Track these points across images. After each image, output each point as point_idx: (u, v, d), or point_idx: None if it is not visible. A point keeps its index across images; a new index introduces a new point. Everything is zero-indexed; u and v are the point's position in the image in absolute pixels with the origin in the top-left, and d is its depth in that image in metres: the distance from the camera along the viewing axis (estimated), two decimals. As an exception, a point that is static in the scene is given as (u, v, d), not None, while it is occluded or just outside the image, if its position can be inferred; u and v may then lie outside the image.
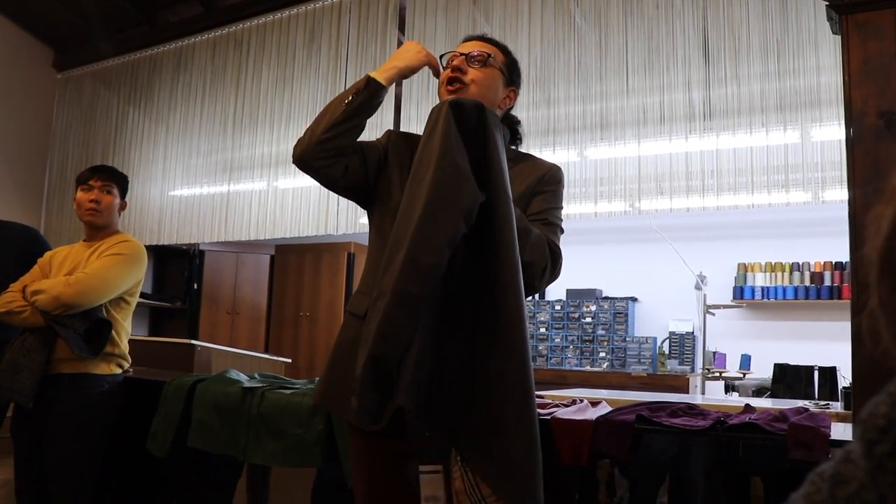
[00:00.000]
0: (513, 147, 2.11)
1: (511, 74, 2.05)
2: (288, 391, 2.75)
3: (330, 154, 1.85)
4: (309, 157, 1.85)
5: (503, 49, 2.06)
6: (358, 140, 1.93)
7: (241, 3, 6.42)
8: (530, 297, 7.35)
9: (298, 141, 1.89)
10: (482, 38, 2.07)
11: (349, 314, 1.88)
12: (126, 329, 3.03)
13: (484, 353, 1.54)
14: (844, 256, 6.41)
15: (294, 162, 1.89)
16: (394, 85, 2.00)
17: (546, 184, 1.97)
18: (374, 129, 5.42)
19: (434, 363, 1.54)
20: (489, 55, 1.98)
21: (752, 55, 4.37)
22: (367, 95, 1.87)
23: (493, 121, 1.66)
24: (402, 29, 5.54)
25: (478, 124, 1.62)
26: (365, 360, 1.47)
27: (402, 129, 5.41)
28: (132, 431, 3.07)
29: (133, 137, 7.06)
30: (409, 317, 1.48)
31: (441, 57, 2.04)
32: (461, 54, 1.99)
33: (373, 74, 1.91)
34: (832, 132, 4.07)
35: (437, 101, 1.81)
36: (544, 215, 1.92)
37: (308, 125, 1.90)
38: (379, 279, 1.56)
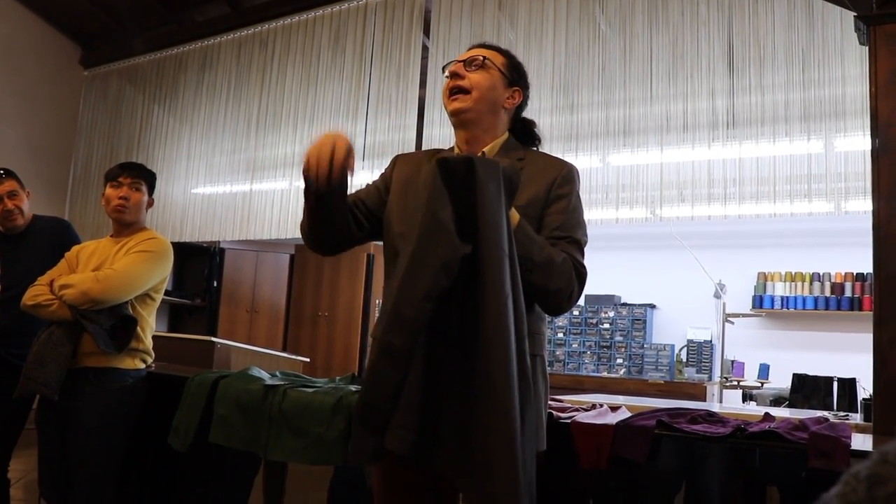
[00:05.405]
0: (527, 146, 2.10)
1: (512, 75, 2.04)
2: (310, 389, 2.76)
3: (332, 243, 2.02)
4: (317, 251, 2.07)
5: (503, 52, 2.08)
6: (355, 195, 2.03)
7: (267, 3, 6.48)
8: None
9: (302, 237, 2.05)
10: (481, 45, 2.09)
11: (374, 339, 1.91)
12: (150, 325, 3.06)
13: (474, 402, 1.56)
14: (866, 267, 6.35)
15: None
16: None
17: (559, 188, 1.90)
18: (399, 130, 5.48)
19: (435, 406, 1.61)
20: (485, 58, 2.00)
21: (776, 64, 4.36)
22: (310, 201, 1.86)
23: (485, 171, 1.62)
24: (426, 32, 5.57)
25: (466, 178, 1.61)
26: (356, 407, 1.61)
27: (423, 132, 5.43)
28: (153, 425, 3.09)
29: (157, 135, 7.14)
30: (392, 366, 1.57)
31: (443, 69, 2.05)
32: (459, 61, 2.02)
33: None
34: (856, 142, 4.06)
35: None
36: (565, 231, 1.86)
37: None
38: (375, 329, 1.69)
